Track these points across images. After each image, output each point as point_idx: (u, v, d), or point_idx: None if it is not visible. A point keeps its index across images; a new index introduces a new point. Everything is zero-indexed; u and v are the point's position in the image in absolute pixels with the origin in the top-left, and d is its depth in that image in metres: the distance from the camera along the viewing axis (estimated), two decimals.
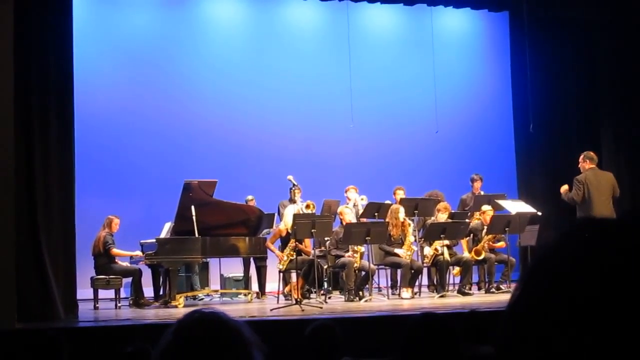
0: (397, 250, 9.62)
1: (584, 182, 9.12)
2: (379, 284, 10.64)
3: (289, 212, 9.59)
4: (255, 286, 10.52)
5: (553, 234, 0.78)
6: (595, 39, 11.29)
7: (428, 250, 9.89)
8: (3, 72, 7.38)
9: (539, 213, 9.93)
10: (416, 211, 10.23)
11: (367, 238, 9.07)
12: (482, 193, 10.99)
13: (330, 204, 10.64)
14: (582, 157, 9.41)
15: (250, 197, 10.93)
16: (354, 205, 10.63)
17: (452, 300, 9.00)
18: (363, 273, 9.41)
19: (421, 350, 3.09)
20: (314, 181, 11.22)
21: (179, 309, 8.71)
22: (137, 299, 9.41)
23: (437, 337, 3.08)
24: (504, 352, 0.76)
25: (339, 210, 9.98)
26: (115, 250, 9.62)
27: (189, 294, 10.13)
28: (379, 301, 9.26)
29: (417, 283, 9.80)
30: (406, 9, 12.17)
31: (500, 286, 9.98)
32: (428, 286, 10.53)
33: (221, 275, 10.82)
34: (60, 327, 6.93)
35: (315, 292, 9.45)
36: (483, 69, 13.64)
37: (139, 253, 9.81)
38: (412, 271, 9.58)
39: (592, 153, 9.44)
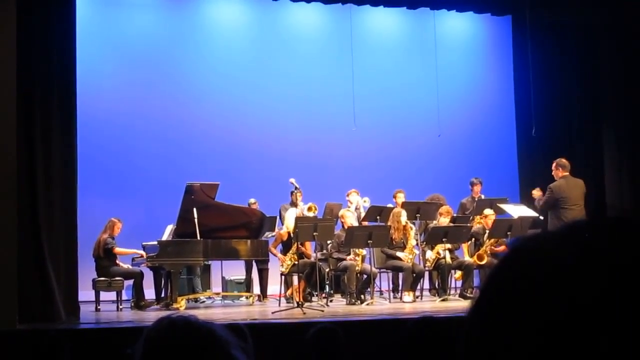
0: (398, 254, 9.61)
1: (553, 191, 9.17)
2: (380, 288, 10.63)
3: (291, 215, 9.58)
4: (257, 289, 10.51)
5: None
6: (597, 43, 11.27)
7: (430, 254, 9.88)
8: (5, 72, 7.39)
9: (541, 217, 9.90)
10: (418, 215, 10.22)
11: (369, 241, 9.06)
12: (482, 197, 10.95)
13: (332, 207, 10.63)
14: (554, 164, 9.44)
15: (252, 200, 10.92)
16: (356, 209, 10.62)
17: (454, 304, 8.97)
18: (365, 276, 9.40)
19: (419, 354, 3.09)
20: (316, 184, 11.21)
21: (180, 311, 8.69)
22: (139, 301, 9.42)
23: (435, 341, 3.08)
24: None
25: (340, 213, 9.96)
26: (118, 249, 9.62)
27: (191, 296, 10.13)
28: (380, 304, 9.25)
29: (418, 287, 9.79)
30: (409, 13, 12.17)
31: None
32: (430, 290, 10.51)
33: (223, 278, 10.81)
34: (62, 329, 6.93)
35: (316, 295, 9.45)
36: (486, 73, 13.63)
37: (141, 252, 9.81)
38: (414, 275, 9.58)
39: (564, 160, 9.46)
